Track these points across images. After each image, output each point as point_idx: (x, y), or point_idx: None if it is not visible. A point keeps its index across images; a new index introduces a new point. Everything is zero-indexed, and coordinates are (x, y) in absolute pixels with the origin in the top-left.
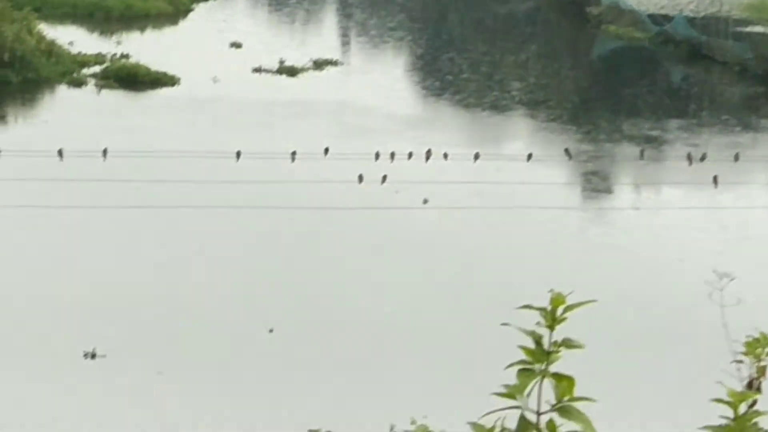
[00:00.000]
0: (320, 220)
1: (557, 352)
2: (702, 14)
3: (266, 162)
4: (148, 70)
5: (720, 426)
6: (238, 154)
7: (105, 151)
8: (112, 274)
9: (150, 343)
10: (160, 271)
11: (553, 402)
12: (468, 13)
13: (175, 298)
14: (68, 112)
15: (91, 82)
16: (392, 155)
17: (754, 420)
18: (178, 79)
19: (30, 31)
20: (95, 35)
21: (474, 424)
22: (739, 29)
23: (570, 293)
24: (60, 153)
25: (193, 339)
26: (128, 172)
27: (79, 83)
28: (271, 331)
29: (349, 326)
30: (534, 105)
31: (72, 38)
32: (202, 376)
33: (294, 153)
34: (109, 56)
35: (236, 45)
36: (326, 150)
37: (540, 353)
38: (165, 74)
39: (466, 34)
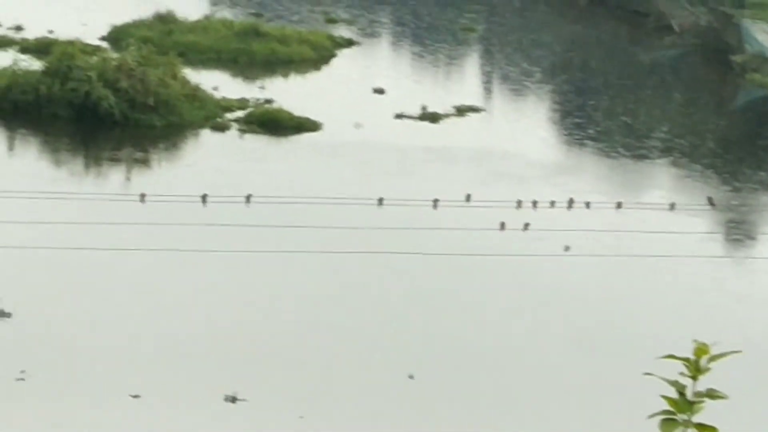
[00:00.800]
0: (461, 266)
1: (701, 402)
2: None
3: (408, 208)
4: (290, 115)
5: None
6: (380, 201)
7: (248, 197)
8: (253, 317)
9: (291, 387)
10: (301, 315)
11: None
12: (611, 61)
13: (315, 342)
14: (211, 156)
15: (234, 126)
16: (534, 203)
17: None
18: (321, 125)
19: (174, 76)
20: (239, 80)
21: None
22: None
23: (714, 344)
24: (203, 198)
25: (334, 384)
26: (271, 218)
27: (222, 128)
28: (411, 377)
29: (489, 374)
30: (676, 153)
31: (216, 83)
32: (342, 420)
33: (436, 200)
34: (252, 101)
35: (379, 91)
36: (468, 197)
37: (683, 403)
38: (307, 119)
39: (609, 82)
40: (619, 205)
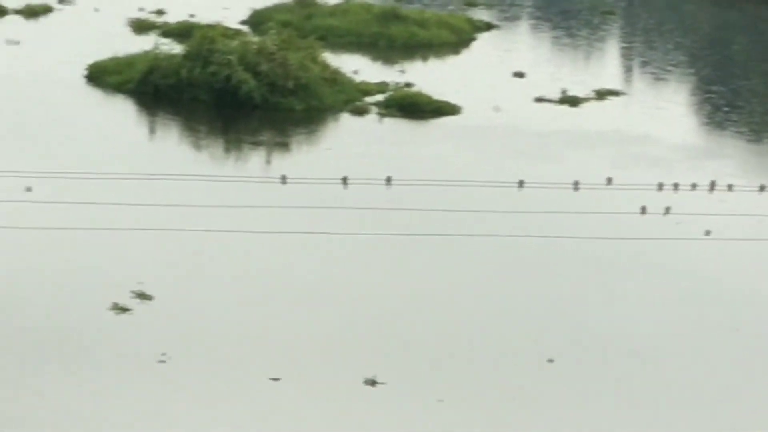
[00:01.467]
0: (602, 250)
1: None
2: None
3: (549, 192)
4: (429, 98)
5: None
6: (521, 183)
7: (389, 180)
8: (392, 300)
9: (430, 370)
10: (439, 299)
11: None
12: (756, 45)
13: (454, 326)
14: (351, 140)
15: (374, 110)
16: (675, 186)
17: None
18: (460, 108)
19: (314, 60)
20: (378, 64)
21: None
22: None
23: None
24: (344, 180)
25: (472, 367)
26: (411, 201)
27: (361, 111)
28: (551, 361)
29: (627, 359)
30: None
31: (356, 66)
32: (481, 404)
33: (577, 183)
34: (391, 85)
35: (519, 74)
36: (609, 180)
37: None
38: (447, 103)
39: (750, 66)
40: (762, 188)
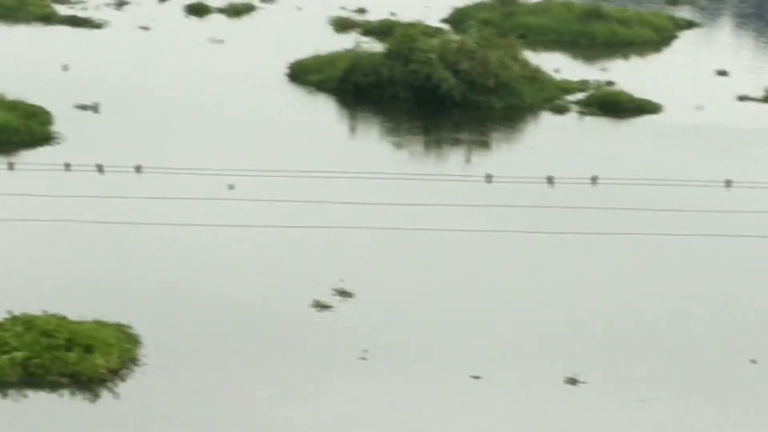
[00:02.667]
0: None
1: None
2: None
3: (758, 191)
4: (630, 97)
5: None
6: (728, 183)
7: (594, 179)
8: (597, 299)
9: (631, 370)
10: (642, 298)
11: None
12: None
13: (655, 326)
14: (551, 138)
15: (574, 108)
16: None
17: None
18: (661, 107)
19: (515, 58)
20: (579, 62)
21: None
22: None
23: None
24: (550, 180)
25: (674, 367)
26: (618, 200)
27: (561, 110)
28: (753, 362)
29: None
30: None
31: (556, 65)
32: (684, 405)
33: None
34: (593, 83)
35: (722, 73)
36: None
37: None
38: (648, 101)
39: None
40: None
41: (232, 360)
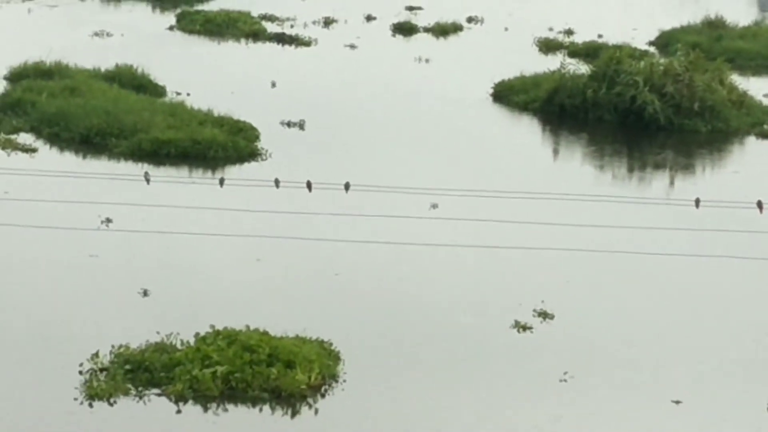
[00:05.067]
0: None
1: None
2: None
3: None
4: None
5: None
6: None
7: None
8: None
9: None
10: None
11: None
12: None
13: None
14: (757, 163)
15: None
16: None
17: None
18: None
19: (722, 82)
20: None
21: None
22: None
23: None
24: (759, 204)
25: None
26: None
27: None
28: None
29: None
30: None
31: (765, 90)
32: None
33: None
34: None
35: None
36: None
37: None
38: None
39: None
40: None
41: (431, 380)
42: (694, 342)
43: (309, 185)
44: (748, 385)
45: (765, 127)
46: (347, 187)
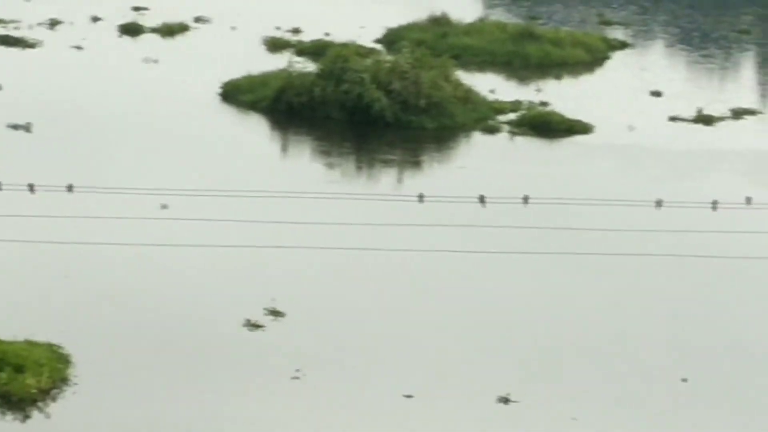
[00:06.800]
0: (741, 269)
1: None
2: None
3: (687, 211)
4: (562, 117)
5: None
6: (659, 203)
7: (526, 198)
8: (527, 318)
9: (564, 389)
10: (577, 317)
11: None
12: None
13: (590, 344)
14: (483, 158)
15: (505, 129)
16: None
17: None
18: (593, 127)
19: (447, 78)
20: (512, 83)
21: None
22: None
23: None
24: (482, 199)
25: (606, 385)
26: (549, 219)
27: (492, 130)
28: (684, 380)
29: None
30: None
31: (490, 86)
32: (616, 422)
33: (715, 202)
34: (525, 103)
35: (656, 93)
36: (748, 199)
37: None
38: (579, 122)
39: None
40: None
41: (163, 380)
42: (423, 336)
43: (31, 187)
44: (476, 377)
45: (490, 122)
46: (70, 188)
